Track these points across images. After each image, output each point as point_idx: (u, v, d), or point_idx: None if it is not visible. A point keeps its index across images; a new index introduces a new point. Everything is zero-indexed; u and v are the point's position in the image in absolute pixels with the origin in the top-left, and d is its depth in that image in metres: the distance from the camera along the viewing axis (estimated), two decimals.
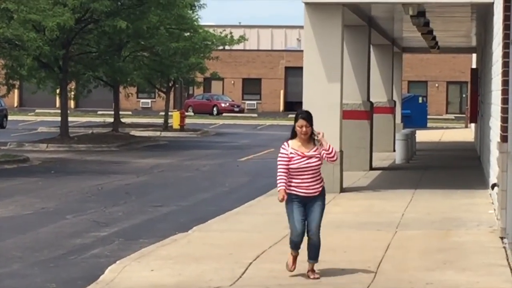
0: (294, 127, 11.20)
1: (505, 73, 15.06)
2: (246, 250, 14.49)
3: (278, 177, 11.18)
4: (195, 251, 14.70)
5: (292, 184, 11.14)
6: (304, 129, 10.90)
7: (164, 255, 14.20)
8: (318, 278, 11.33)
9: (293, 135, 11.15)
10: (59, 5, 35.58)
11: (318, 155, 11.13)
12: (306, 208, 11.28)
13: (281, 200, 11.12)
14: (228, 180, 30.21)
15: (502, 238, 14.99)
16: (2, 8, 32.75)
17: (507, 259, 13.35)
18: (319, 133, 11.13)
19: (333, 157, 11.26)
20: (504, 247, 14.28)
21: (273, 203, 22.10)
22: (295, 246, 11.36)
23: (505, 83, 14.97)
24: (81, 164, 36.18)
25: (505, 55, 15.04)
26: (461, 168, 31.47)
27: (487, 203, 20.81)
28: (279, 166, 11.21)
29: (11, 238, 16.89)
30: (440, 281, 11.92)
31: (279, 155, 11.28)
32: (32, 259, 14.72)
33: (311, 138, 11.16)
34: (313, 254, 11.34)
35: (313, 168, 11.14)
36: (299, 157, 11.08)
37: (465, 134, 53.81)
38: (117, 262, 13.45)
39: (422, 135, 44.98)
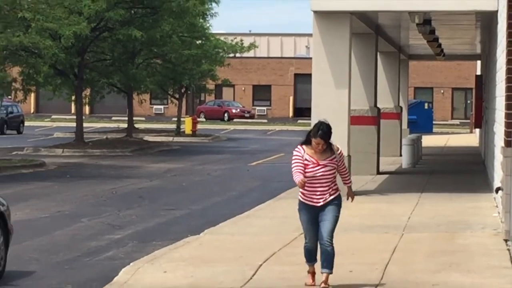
0: (309, 133, 10.53)
1: (509, 80, 15.21)
2: (256, 252, 14.54)
3: (294, 173, 10.42)
4: (206, 253, 14.79)
5: (305, 192, 10.65)
6: (320, 146, 10.37)
7: (176, 257, 14.29)
8: None
9: (307, 142, 10.51)
10: (75, 14, 35.84)
11: (333, 164, 10.56)
12: (319, 215, 10.75)
13: (302, 186, 10.37)
14: (238, 185, 30.24)
15: (506, 240, 15.11)
16: (19, 17, 32.88)
17: (511, 261, 13.46)
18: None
19: (347, 181, 10.90)
20: (508, 250, 14.41)
21: (282, 206, 22.23)
22: (309, 256, 10.90)
23: (509, 89, 15.14)
24: (96, 168, 36.23)
25: (509, 62, 15.18)
26: (466, 173, 31.57)
27: (491, 206, 20.87)
28: (294, 165, 10.46)
29: (28, 241, 16.87)
30: (445, 282, 11.97)
31: (294, 157, 10.59)
32: (48, 261, 14.84)
33: (328, 146, 10.55)
34: (327, 263, 10.73)
35: (327, 177, 10.55)
36: (314, 165, 10.49)
37: (470, 139, 53.91)
38: (131, 264, 13.60)
39: (428, 140, 45.04)
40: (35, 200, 24.34)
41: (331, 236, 10.59)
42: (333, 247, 10.63)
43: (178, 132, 58.58)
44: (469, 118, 65.63)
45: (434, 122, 61.50)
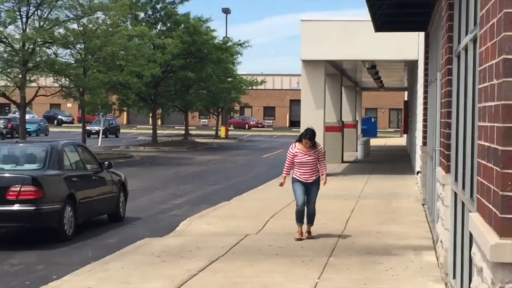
0: (301, 136, 13.33)
1: (424, 104, 17.33)
2: (265, 212, 16.83)
3: (284, 168, 13.60)
4: (234, 212, 17.25)
5: (297, 173, 13.12)
6: (308, 144, 13.05)
7: (215, 215, 16.86)
8: (312, 238, 13.25)
9: (299, 140, 13.26)
10: (152, 62, 40.23)
11: (315, 155, 13.09)
12: (306, 189, 13.10)
13: (280, 184, 13.85)
14: (255, 169, 34.51)
15: (423, 204, 18.00)
16: (117, 64, 36.74)
17: (426, 218, 15.99)
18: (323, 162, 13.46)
19: (324, 169, 13.42)
20: (424, 210, 17.09)
21: (287, 184, 23.04)
22: (299, 217, 13.18)
23: (424, 110, 17.24)
24: (165, 159, 40.48)
25: (425, 92, 17.22)
26: (398, 162, 34.45)
27: (414, 183, 23.69)
28: (286, 160, 13.40)
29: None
30: (386, 231, 14.21)
31: (288, 152, 13.32)
32: (135, 218, 17.51)
33: (313, 144, 13.16)
34: (310, 220, 13.30)
35: (310, 163, 13.06)
36: (302, 154, 13.02)
37: (400, 141, 56.85)
38: (187, 219, 16.16)
39: (374, 141, 48.80)
40: (127, 179, 26.69)
41: (314, 203, 13.32)
42: (315, 210, 13.34)
43: (216, 136, 68.43)
44: (400, 127, 73.26)
45: (377, 130, 68.47)
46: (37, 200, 13.45)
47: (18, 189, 13.38)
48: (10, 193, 13.40)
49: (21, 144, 16.87)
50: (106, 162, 16.92)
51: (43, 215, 13.66)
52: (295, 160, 13.10)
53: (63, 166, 14.89)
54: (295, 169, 13.16)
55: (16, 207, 13.39)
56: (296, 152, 13.06)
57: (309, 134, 13.00)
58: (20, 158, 15.14)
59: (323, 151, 13.60)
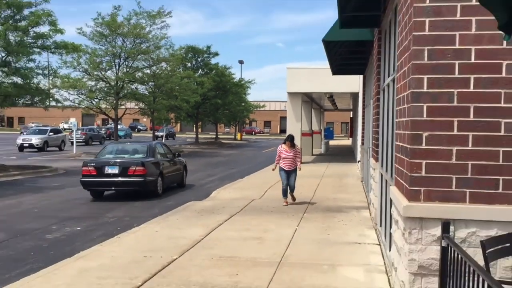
0: (285, 140, 13.18)
1: (362, 119, 17.06)
2: (264, 185, 16.77)
3: (276, 160, 13.21)
4: (245, 186, 17.32)
5: (282, 164, 12.89)
6: (289, 145, 12.95)
7: (234, 187, 16.98)
8: (294, 199, 13.12)
9: (285, 143, 13.06)
10: (195, 93, 39.51)
11: (294, 152, 12.90)
12: (288, 174, 12.82)
13: (272, 170, 13.65)
14: (258, 159, 33.20)
15: (361, 181, 17.90)
16: (174, 94, 36.23)
17: (363, 189, 15.87)
18: (299, 153, 13.01)
19: (299, 166, 13.01)
20: (362, 185, 17.02)
21: (276, 169, 22.84)
22: (284, 193, 12.89)
23: (362, 123, 17.07)
24: (203, 153, 39.30)
25: (363, 112, 16.98)
26: (346, 155, 33.29)
27: (356, 168, 23.20)
28: (277, 155, 13.11)
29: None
30: (339, 197, 14.23)
31: (277, 150, 13.16)
32: (183, 189, 17.40)
33: (292, 144, 13.01)
34: (292, 190, 13.05)
35: (290, 157, 12.86)
36: (285, 151, 12.90)
37: (348, 142, 55.19)
38: (216, 190, 16.31)
39: (332, 142, 48.08)
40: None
41: (294, 182, 13.03)
42: (294, 185, 13.08)
43: (234, 138, 68.20)
44: (348, 133, 73.06)
45: (334, 135, 67.77)
46: (144, 175, 15.00)
47: (135, 168, 14.94)
48: (130, 171, 14.94)
49: (130, 143, 17.86)
50: (177, 153, 18.58)
51: (147, 182, 15.11)
52: (281, 155, 12.90)
53: (156, 156, 16.25)
54: (281, 161, 12.91)
55: (133, 178, 14.91)
56: (281, 150, 12.94)
57: (289, 138, 13.06)
58: (132, 151, 16.34)
59: (299, 149, 13.30)
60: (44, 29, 25.18)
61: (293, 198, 13.14)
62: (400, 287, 5.28)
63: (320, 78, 25.47)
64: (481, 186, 4.68)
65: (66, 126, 70.21)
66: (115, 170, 14.89)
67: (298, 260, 7.68)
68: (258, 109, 70.63)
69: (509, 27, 2.30)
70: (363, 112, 16.85)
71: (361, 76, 19.80)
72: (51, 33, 23.70)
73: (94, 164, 15.11)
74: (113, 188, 15.13)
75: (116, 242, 8.92)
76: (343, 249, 8.35)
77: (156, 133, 48.43)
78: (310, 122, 34.55)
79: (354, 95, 28.40)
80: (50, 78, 29.12)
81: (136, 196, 15.28)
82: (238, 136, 69.38)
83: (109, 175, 14.85)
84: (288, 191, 13.00)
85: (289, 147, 12.91)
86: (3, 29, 22.10)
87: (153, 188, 15.39)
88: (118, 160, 15.20)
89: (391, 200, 6.16)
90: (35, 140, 37.79)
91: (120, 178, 14.83)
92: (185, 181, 18.26)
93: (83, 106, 35.33)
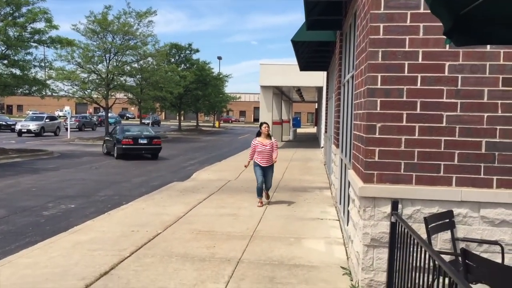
0: (259, 130, 10.23)
1: (326, 110, 17.20)
2: (239, 168, 16.27)
3: (249, 155, 10.28)
4: (222, 168, 17.08)
5: (258, 158, 10.00)
6: (266, 128, 10.07)
7: (212, 169, 16.72)
8: (269, 198, 10.56)
9: (258, 134, 10.16)
10: (178, 86, 38.89)
11: (270, 146, 9.98)
12: (264, 171, 10.04)
13: (245, 166, 10.37)
14: (233, 144, 32.86)
15: (324, 164, 17.95)
16: (159, 86, 35.51)
17: (326, 171, 16.02)
18: (276, 147, 10.11)
19: (275, 159, 10.03)
20: (325, 168, 17.09)
21: (248, 153, 22.27)
22: (259, 193, 10.07)
23: (326, 113, 17.17)
24: (185, 139, 38.91)
25: (326, 104, 17.02)
26: (311, 141, 33.54)
27: (320, 152, 23.33)
28: (250, 149, 10.26)
29: (160, 164, 18.98)
30: (305, 179, 14.16)
31: (251, 144, 10.20)
32: (167, 171, 16.99)
33: (268, 136, 10.07)
34: (268, 189, 10.35)
35: (267, 151, 9.98)
36: (261, 145, 9.98)
37: (313, 130, 55.88)
38: (196, 172, 16.10)
39: (299, 130, 48.17)
40: (163, 149, 24.39)
41: (271, 180, 10.27)
42: (271, 184, 10.34)
43: (213, 126, 66.71)
44: (313, 122, 73.08)
45: (301, 124, 67.78)
46: (160, 144, 21.35)
47: (156, 140, 21.05)
48: (153, 141, 21.01)
49: (132, 126, 23.35)
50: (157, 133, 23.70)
51: (160, 149, 21.38)
52: (256, 150, 10.01)
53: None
54: (256, 156, 10.03)
55: (155, 146, 21.10)
56: (256, 144, 10.01)
57: (263, 123, 10.29)
58: (141, 130, 22.15)
59: (276, 142, 10.24)
60: (40, 25, 24.48)
61: (267, 196, 10.56)
62: (355, 257, 5.33)
63: (289, 73, 25.32)
64: (425, 170, 4.77)
65: (61, 113, 68.64)
66: (145, 141, 20.70)
67: (268, 233, 7.68)
68: (234, 100, 70.53)
69: (451, 33, 2.38)
70: (327, 104, 16.78)
71: (325, 72, 19.62)
72: (47, 29, 23.24)
73: (131, 137, 20.53)
74: (143, 152, 20.68)
75: (107, 218, 8.82)
76: (307, 224, 8.35)
77: (143, 121, 47.83)
78: (280, 112, 34.40)
79: (319, 89, 28.43)
80: (46, 70, 28.36)
81: (126, 175, 14.96)
82: (217, 124, 68.65)
83: (140, 144, 20.59)
84: (265, 189, 10.35)
85: (265, 137, 10.10)
86: (3, 25, 21.61)
87: (159, 153, 21.67)
88: (145, 133, 21.22)
89: (349, 182, 6.18)
90: (32, 126, 37.12)
91: (147, 146, 20.66)
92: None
93: (77, 96, 34.66)
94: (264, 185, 10.15)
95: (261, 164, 10.03)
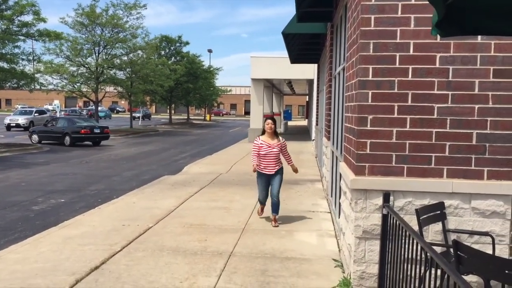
0: (264, 128, 8.03)
1: (317, 103, 16.88)
2: (231, 161, 16.51)
3: (251, 159, 7.94)
4: (214, 161, 16.96)
5: (261, 165, 7.81)
6: (270, 125, 7.85)
7: (204, 162, 16.62)
8: (277, 226, 7.77)
9: (263, 133, 8.01)
10: (169, 79, 39.10)
11: (278, 147, 7.79)
12: (269, 180, 7.84)
13: (254, 171, 7.90)
14: (225, 137, 32.74)
15: (316, 157, 17.86)
16: (150, 79, 35.48)
17: (317, 164, 15.80)
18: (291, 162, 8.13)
19: (290, 161, 8.11)
20: (316, 160, 16.99)
21: (241, 145, 23.80)
22: (261, 202, 8.17)
23: (317, 106, 16.84)
24: (176, 132, 39.08)
25: (317, 97, 16.90)
26: (302, 134, 33.39)
27: (311, 145, 23.00)
28: (252, 152, 7.95)
29: (151, 158, 19.00)
30: (299, 172, 14.29)
31: (253, 145, 8.01)
32: (158, 165, 16.87)
33: (275, 134, 7.92)
34: (275, 210, 7.87)
35: (274, 154, 7.79)
36: (266, 146, 7.76)
37: (304, 123, 55.30)
38: (188, 165, 16.02)
39: (290, 123, 48.83)
40: (154, 143, 26.06)
41: (278, 192, 7.86)
42: (279, 200, 7.88)
43: (204, 119, 66.74)
44: (305, 115, 73.02)
45: (292, 116, 68.00)
46: (109, 133, 26.24)
47: (106, 129, 25.72)
48: (105, 131, 25.41)
49: (82, 119, 27.15)
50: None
51: (108, 137, 26.20)
52: (260, 152, 7.79)
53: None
54: (260, 161, 7.81)
55: (105, 134, 25.46)
56: (260, 144, 7.79)
57: (269, 118, 8.10)
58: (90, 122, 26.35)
59: (285, 143, 8.00)
60: (28, 18, 24.36)
61: (275, 220, 7.88)
62: (347, 249, 5.34)
63: (280, 66, 25.26)
64: (416, 162, 4.77)
65: (50, 107, 67.96)
66: (98, 130, 25.03)
67: (259, 226, 7.66)
68: (225, 93, 70.19)
69: (440, 23, 2.37)
70: (318, 96, 16.75)
71: (316, 65, 19.56)
72: (34, 22, 23.03)
73: (88, 128, 24.53)
74: (97, 139, 24.97)
75: (97, 212, 8.76)
76: (299, 217, 8.34)
77: (133, 114, 47.60)
78: (271, 105, 34.35)
79: (310, 82, 28.37)
80: (34, 64, 28.17)
81: (115, 169, 14.92)
82: (207, 117, 68.54)
83: (96, 133, 24.88)
84: (271, 205, 7.88)
85: (271, 136, 7.89)
86: None
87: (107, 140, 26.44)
88: (98, 125, 25.45)
89: (340, 174, 6.16)
90: (21, 120, 36.86)
91: (100, 134, 25.04)
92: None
93: (66, 90, 34.37)
94: (271, 199, 7.82)
95: (266, 171, 7.80)
